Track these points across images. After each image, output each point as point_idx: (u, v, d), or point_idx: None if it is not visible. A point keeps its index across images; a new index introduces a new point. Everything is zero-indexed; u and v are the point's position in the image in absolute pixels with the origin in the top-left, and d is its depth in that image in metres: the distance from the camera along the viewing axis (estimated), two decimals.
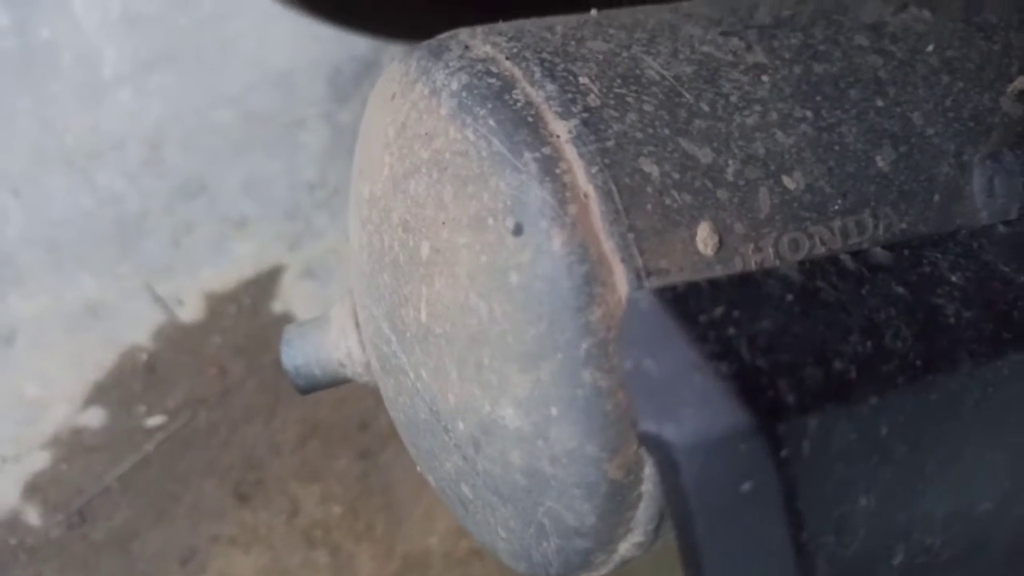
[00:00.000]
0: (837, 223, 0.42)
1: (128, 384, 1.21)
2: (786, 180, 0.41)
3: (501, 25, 0.45)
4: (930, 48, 0.49)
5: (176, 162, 1.28)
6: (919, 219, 0.44)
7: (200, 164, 1.28)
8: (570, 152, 0.38)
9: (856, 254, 0.34)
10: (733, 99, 0.42)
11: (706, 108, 0.41)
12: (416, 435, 0.48)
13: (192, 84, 1.30)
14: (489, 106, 0.39)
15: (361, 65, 1.32)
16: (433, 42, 0.45)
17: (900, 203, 0.44)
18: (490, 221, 0.38)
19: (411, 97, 0.44)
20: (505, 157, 0.38)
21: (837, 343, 0.30)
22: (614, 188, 0.38)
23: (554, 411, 0.38)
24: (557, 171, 0.37)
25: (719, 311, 0.29)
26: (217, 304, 1.26)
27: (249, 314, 1.25)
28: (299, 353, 0.56)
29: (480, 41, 0.43)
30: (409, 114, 0.43)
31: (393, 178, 0.44)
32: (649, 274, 0.37)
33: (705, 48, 0.45)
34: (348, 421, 1.22)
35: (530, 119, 0.39)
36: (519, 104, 0.39)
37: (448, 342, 0.41)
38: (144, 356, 1.23)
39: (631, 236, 0.37)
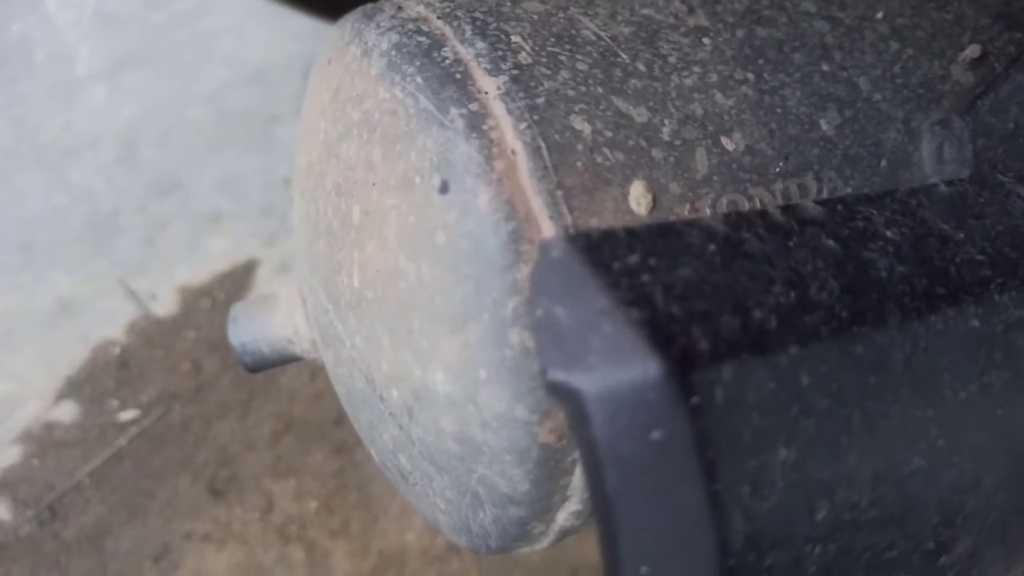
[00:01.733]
0: (778, 185, 0.41)
1: (101, 379, 1.20)
2: (725, 141, 0.40)
3: None
4: (880, 15, 0.49)
5: (150, 160, 1.27)
6: (865, 183, 0.44)
7: (175, 161, 1.27)
8: (498, 108, 0.37)
9: (786, 208, 0.33)
10: (672, 60, 0.41)
11: (643, 68, 0.41)
12: (356, 407, 0.47)
13: (167, 82, 1.29)
14: (417, 63, 0.38)
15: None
16: (368, 5, 0.44)
17: (845, 167, 0.43)
18: (417, 180, 0.37)
19: (344, 60, 0.43)
20: (432, 114, 0.37)
21: (758, 293, 0.29)
22: (543, 145, 0.37)
23: (483, 374, 0.36)
24: (484, 127, 0.36)
25: (634, 259, 0.28)
26: (191, 299, 1.25)
27: (223, 309, 1.23)
28: (245, 331, 0.55)
29: (414, 2, 0.42)
30: (343, 77, 0.43)
31: (327, 143, 0.43)
32: (577, 232, 0.36)
33: (645, 11, 0.44)
34: (323, 416, 1.21)
35: (458, 76, 0.38)
36: (447, 61, 0.38)
37: (380, 307, 0.40)
38: (117, 351, 1.21)
39: (560, 193, 0.36)
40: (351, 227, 0.41)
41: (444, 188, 0.36)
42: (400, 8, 0.42)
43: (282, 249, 1.25)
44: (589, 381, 0.26)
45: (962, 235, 0.35)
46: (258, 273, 1.26)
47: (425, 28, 0.40)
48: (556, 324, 0.27)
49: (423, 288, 0.37)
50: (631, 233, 0.29)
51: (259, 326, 0.55)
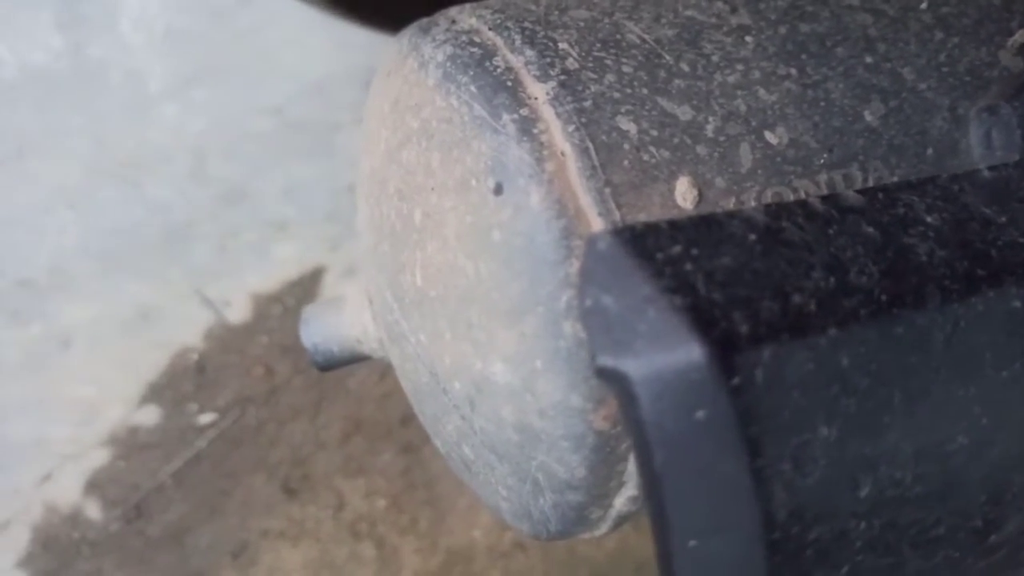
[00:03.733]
0: (823, 176, 0.42)
1: (180, 384, 1.26)
2: (768, 135, 0.42)
3: (488, 0, 0.47)
4: (924, 5, 0.49)
5: (220, 171, 1.32)
6: (911, 172, 0.44)
7: (242, 172, 1.32)
8: (547, 112, 0.39)
9: (827, 197, 0.34)
10: (715, 59, 0.43)
11: (686, 68, 0.42)
12: (421, 400, 0.50)
13: (233, 96, 1.34)
14: (471, 73, 0.41)
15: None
16: (424, 20, 0.47)
17: (890, 157, 0.44)
18: (473, 183, 0.40)
19: (403, 72, 0.45)
20: (485, 120, 0.39)
21: (798, 278, 0.30)
22: (591, 145, 0.39)
23: (539, 364, 0.39)
24: (535, 131, 0.39)
25: (677, 249, 0.30)
26: (263, 305, 1.30)
27: (294, 314, 1.28)
28: (317, 332, 0.58)
29: (467, 15, 0.45)
30: (401, 88, 0.45)
31: (388, 150, 0.46)
32: None
33: (688, 12, 0.45)
34: (391, 417, 1.24)
35: (509, 83, 0.40)
36: (499, 70, 0.40)
37: (441, 303, 0.42)
38: (195, 357, 1.27)
39: (608, 191, 0.38)
40: (413, 229, 0.43)
41: (499, 189, 0.39)
42: (454, 21, 0.44)
43: (347, 254, 1.29)
44: (636, 365, 0.28)
45: (1005, 219, 0.36)
46: (325, 278, 1.31)
47: (477, 39, 0.42)
48: (604, 312, 0.29)
49: (481, 284, 0.40)
50: (674, 225, 0.31)
51: (329, 327, 0.58)
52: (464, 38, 0.42)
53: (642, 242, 0.30)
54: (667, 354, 0.28)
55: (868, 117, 0.44)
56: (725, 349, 0.28)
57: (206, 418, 1.24)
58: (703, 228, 0.31)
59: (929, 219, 0.35)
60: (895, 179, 0.44)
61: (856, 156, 0.43)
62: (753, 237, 0.32)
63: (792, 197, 0.41)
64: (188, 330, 1.27)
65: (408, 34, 0.46)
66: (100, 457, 1.20)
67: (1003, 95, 0.47)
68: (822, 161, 0.42)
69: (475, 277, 0.40)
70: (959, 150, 0.46)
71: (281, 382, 1.26)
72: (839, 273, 0.31)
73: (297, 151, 1.34)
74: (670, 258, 0.30)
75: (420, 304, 0.44)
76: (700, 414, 0.28)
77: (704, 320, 0.28)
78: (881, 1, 0.49)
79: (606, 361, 0.29)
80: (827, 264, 0.31)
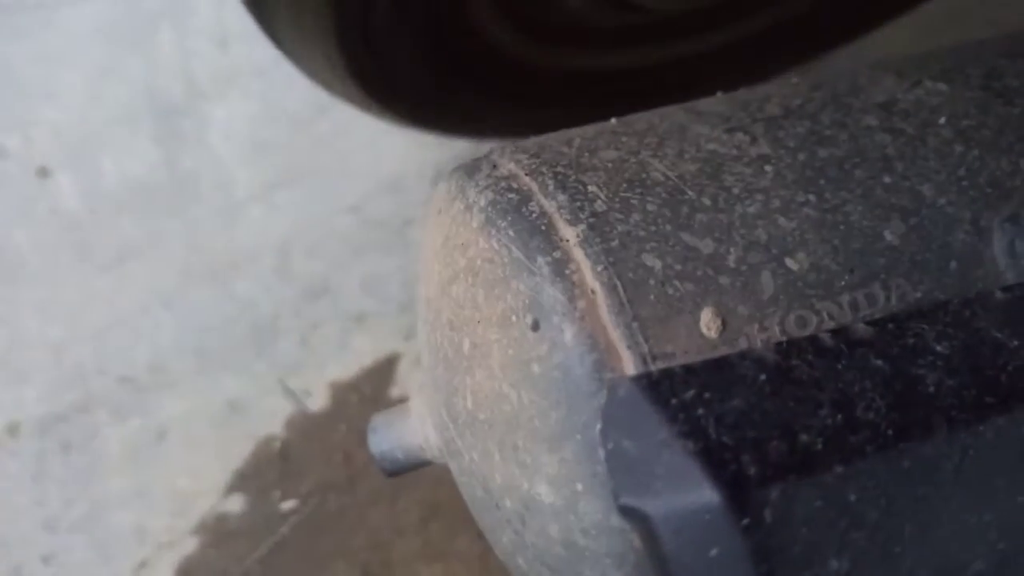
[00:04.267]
0: (845, 297, 0.44)
1: (265, 472, 1.32)
2: (789, 262, 0.44)
3: (527, 142, 0.51)
4: (942, 120, 0.51)
5: (302, 268, 1.40)
6: (935, 286, 0.46)
7: (323, 267, 1.40)
8: (578, 254, 0.43)
9: (837, 331, 0.37)
10: (735, 191, 0.46)
11: (708, 202, 0.45)
12: (478, 512, 0.53)
13: (314, 197, 1.43)
14: (509, 218, 0.45)
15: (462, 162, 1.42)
16: (469, 162, 0.52)
17: (913, 273, 0.46)
18: (514, 319, 0.43)
19: (451, 212, 0.50)
20: (522, 262, 0.43)
21: (806, 417, 0.33)
22: (618, 283, 0.42)
23: (579, 487, 0.41)
24: (567, 272, 0.42)
25: (690, 394, 0.33)
26: (341, 394, 1.35)
27: (370, 402, 1.34)
28: (384, 440, 0.62)
29: (507, 160, 0.49)
30: (450, 227, 0.50)
31: (440, 283, 0.50)
32: (655, 358, 0.41)
33: (711, 146, 0.49)
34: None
35: (543, 227, 0.44)
36: (534, 215, 0.45)
37: (490, 427, 0.46)
38: (278, 445, 1.33)
39: (636, 325, 0.41)
40: (463, 356, 0.47)
41: (536, 326, 0.42)
42: (495, 167, 0.49)
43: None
44: (655, 505, 0.31)
45: (1016, 342, 0.37)
46: (399, 365, 1.36)
47: (515, 185, 0.46)
48: (625, 455, 0.32)
49: (524, 411, 0.43)
50: (688, 370, 0.34)
51: (395, 435, 0.62)
52: (503, 184, 0.47)
53: (658, 388, 0.33)
54: (682, 496, 0.31)
55: (888, 236, 0.46)
56: (734, 491, 0.30)
57: (289, 504, 1.29)
58: (715, 371, 0.34)
59: (939, 348, 0.37)
60: (918, 294, 0.46)
61: (878, 275, 0.45)
62: (763, 377, 0.34)
63: (815, 319, 0.43)
64: (272, 420, 1.34)
65: (456, 177, 0.51)
66: (190, 545, 1.27)
67: (1018, 208, 0.49)
68: (843, 283, 0.45)
69: (518, 405, 0.43)
70: (983, 261, 0.47)
71: (359, 469, 1.31)
72: (847, 409, 0.33)
73: (374, 246, 1.42)
74: (684, 403, 0.33)
75: (471, 425, 0.48)
76: (714, 551, 0.30)
77: (714, 464, 0.31)
78: (900, 120, 0.51)
79: (628, 501, 0.32)
80: (835, 401, 0.34)
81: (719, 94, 0.57)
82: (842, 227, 0.46)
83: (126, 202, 1.43)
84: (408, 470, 0.63)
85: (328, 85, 0.91)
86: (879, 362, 0.35)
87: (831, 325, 0.44)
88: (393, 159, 1.43)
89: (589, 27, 0.93)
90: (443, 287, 0.50)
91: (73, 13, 1.50)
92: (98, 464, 1.32)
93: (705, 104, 0.54)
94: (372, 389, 1.35)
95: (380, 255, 1.41)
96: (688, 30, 0.97)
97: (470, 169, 0.50)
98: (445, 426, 0.52)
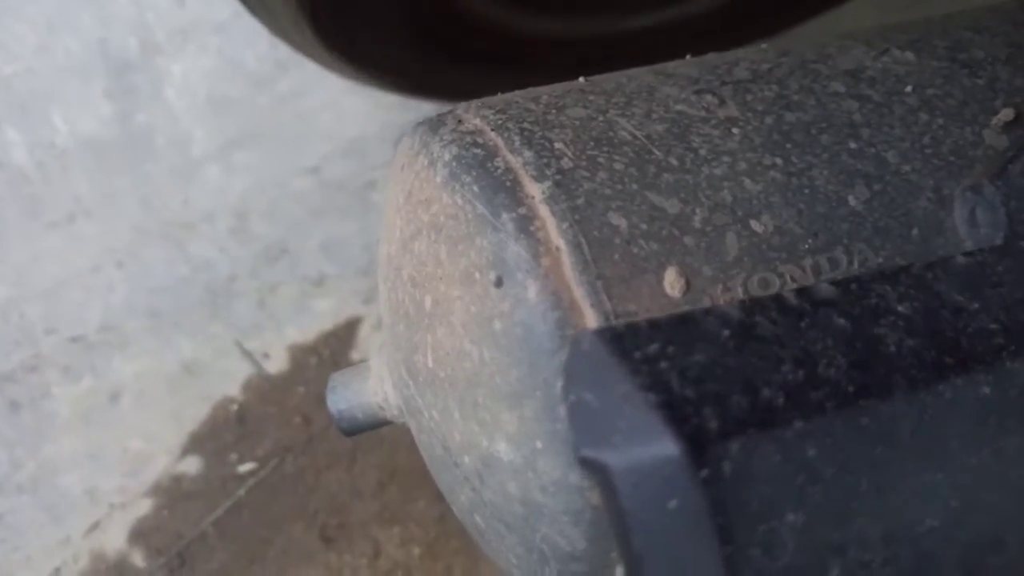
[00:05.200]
0: (808, 261, 0.45)
1: (221, 434, 1.30)
2: (754, 224, 0.44)
3: (493, 99, 0.50)
4: (909, 88, 0.52)
5: (260, 230, 1.38)
6: (896, 252, 0.46)
7: (282, 230, 1.38)
8: (543, 211, 0.42)
9: (801, 291, 0.37)
10: (702, 152, 0.46)
11: (675, 162, 0.45)
12: (437, 470, 0.53)
13: (273, 158, 1.40)
14: (474, 174, 0.44)
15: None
16: (434, 117, 0.51)
17: (875, 239, 0.46)
18: (477, 275, 0.43)
19: (415, 167, 0.49)
20: (487, 218, 0.43)
21: (767, 373, 0.33)
22: (583, 241, 0.42)
23: (539, 444, 0.41)
24: (531, 228, 0.42)
25: (654, 348, 0.33)
26: (300, 357, 1.34)
27: (330, 365, 1.32)
28: (342, 399, 0.62)
29: (472, 115, 0.48)
30: (413, 183, 0.49)
31: (402, 239, 0.49)
32: (618, 316, 0.41)
33: (679, 107, 0.48)
34: (424, 465, 1.27)
35: (508, 183, 0.43)
36: (499, 171, 0.44)
37: (450, 385, 0.46)
38: (235, 408, 1.32)
39: (599, 283, 0.41)
40: (424, 314, 0.47)
41: (499, 282, 0.42)
42: (460, 121, 0.48)
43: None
44: (615, 458, 0.31)
45: (977, 305, 0.38)
46: (360, 329, 1.35)
47: (480, 140, 0.46)
48: (586, 408, 0.32)
49: (485, 368, 0.43)
50: (652, 324, 0.34)
51: (353, 394, 0.61)
52: (468, 139, 0.46)
53: (621, 342, 0.33)
54: (642, 448, 0.31)
55: (852, 202, 0.46)
56: (694, 444, 0.30)
57: (246, 467, 1.28)
58: (680, 326, 0.34)
59: (900, 308, 0.37)
60: (880, 260, 0.46)
61: (841, 240, 0.45)
62: (727, 333, 0.34)
63: (778, 281, 0.44)
64: (229, 382, 1.32)
65: (419, 132, 0.50)
66: (145, 507, 1.25)
67: (987, 174, 0.50)
68: (807, 246, 0.45)
69: (479, 362, 0.43)
70: (944, 229, 0.48)
71: (318, 431, 1.30)
72: (808, 366, 0.34)
73: (334, 209, 1.40)
74: (647, 356, 0.32)
75: (432, 383, 0.47)
76: (673, 504, 0.30)
77: (676, 417, 0.31)
78: (867, 86, 0.52)
79: (588, 453, 0.32)
80: (797, 358, 0.34)
81: (688, 57, 0.56)
82: (807, 191, 0.46)
83: (77, 158, 1.39)
84: (367, 429, 0.62)
85: (289, 38, 0.89)
86: (841, 321, 0.35)
87: (794, 287, 0.44)
88: (355, 120, 1.41)
89: None
90: (405, 243, 0.49)
91: None
92: (48, 425, 1.29)
93: (674, 66, 0.54)
94: (331, 352, 1.34)
95: (340, 218, 1.39)
96: None
97: (434, 124, 0.49)
98: (405, 384, 0.52)
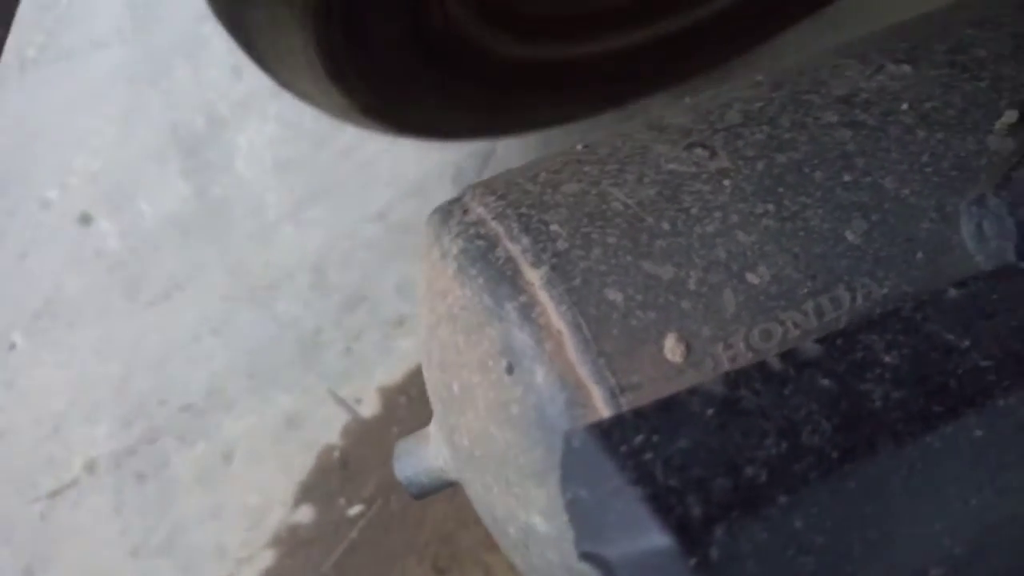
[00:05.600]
0: (810, 304, 0.46)
1: (328, 481, 1.37)
2: (750, 276, 0.46)
3: (497, 180, 0.53)
4: (905, 106, 0.52)
5: (338, 280, 1.45)
6: (901, 280, 0.47)
7: (358, 278, 1.44)
8: (543, 296, 0.45)
9: (785, 354, 0.38)
10: (694, 211, 0.47)
11: (667, 227, 0.47)
12: (495, 534, 0.56)
13: (341, 210, 1.47)
14: (479, 266, 0.47)
15: (479, 159, 1.44)
16: (444, 206, 0.54)
17: (877, 270, 0.47)
18: (490, 363, 0.46)
19: (431, 258, 0.52)
20: (493, 310, 0.46)
21: (751, 449, 0.34)
22: (582, 321, 0.44)
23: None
24: (533, 315, 0.44)
25: (639, 439, 0.35)
26: (391, 397, 1.40)
27: (419, 403, 1.38)
28: (408, 466, 0.65)
29: (476, 203, 0.51)
30: (431, 273, 0.52)
31: (428, 327, 0.53)
32: (623, 390, 0.43)
33: (671, 165, 0.50)
34: None
35: (509, 273, 0.46)
36: (501, 261, 0.47)
37: (485, 463, 0.49)
38: (337, 454, 1.38)
39: (602, 361, 0.43)
40: (454, 397, 0.50)
41: (510, 369, 0.45)
42: (465, 211, 0.51)
43: None
44: (612, 552, 0.33)
45: (968, 342, 0.38)
46: None
47: (482, 231, 0.48)
48: (582, 504, 0.34)
49: (511, 450, 0.46)
50: (638, 414, 0.36)
51: (418, 461, 0.65)
52: (472, 231, 0.49)
53: (609, 437, 0.35)
54: (634, 541, 0.33)
55: (850, 237, 0.47)
56: (680, 534, 0.32)
57: (355, 510, 1.34)
58: (664, 412, 0.36)
59: (888, 359, 0.38)
60: (884, 291, 0.46)
61: (841, 278, 0.46)
62: (711, 412, 0.36)
63: (780, 330, 0.45)
64: (329, 430, 1.39)
65: (433, 222, 0.53)
66: (268, 558, 1.33)
67: (991, 184, 0.49)
68: (806, 290, 0.46)
69: (505, 444, 0.46)
70: (951, 247, 0.48)
71: None
72: (792, 436, 0.35)
73: (404, 250, 1.45)
74: (633, 449, 0.35)
75: (470, 461, 0.50)
76: None
77: (661, 508, 0.33)
78: (861, 111, 0.52)
79: (588, 548, 0.34)
80: (781, 429, 0.35)
81: (686, 100, 0.57)
82: (802, 233, 0.47)
83: (164, 237, 1.49)
84: (434, 492, 0.66)
85: (311, 97, 0.92)
86: (826, 382, 0.36)
87: (797, 334, 0.45)
88: (413, 163, 1.46)
89: (563, 15, 0.94)
90: (431, 330, 0.52)
91: (92, 60, 1.55)
92: (172, 489, 1.39)
93: (671, 115, 0.55)
94: (419, 390, 1.39)
95: (410, 258, 1.44)
96: (653, 12, 0.97)
97: (445, 214, 0.52)
98: (454, 457, 0.55)
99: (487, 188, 0.52)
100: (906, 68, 0.53)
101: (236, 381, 1.43)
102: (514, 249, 0.46)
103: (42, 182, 1.52)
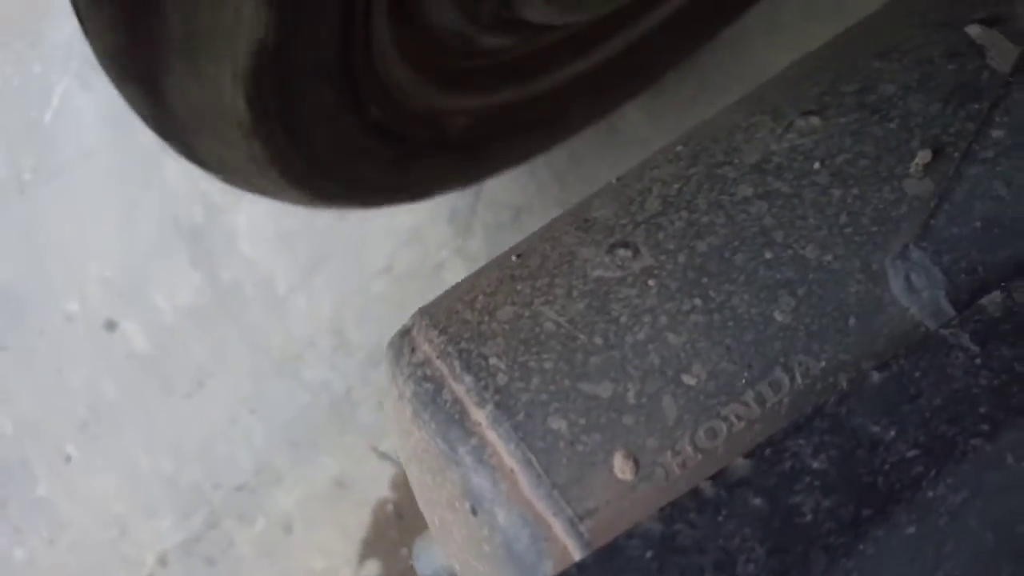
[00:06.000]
0: (749, 394, 0.47)
1: (386, 534, 1.42)
2: (686, 378, 0.47)
3: (439, 309, 0.55)
4: (817, 165, 0.52)
5: (358, 338, 1.48)
6: (838, 350, 0.47)
7: (376, 333, 1.47)
8: (491, 436, 0.47)
9: (717, 476, 0.39)
10: (623, 320, 0.49)
11: (599, 341, 0.48)
12: None
13: (348, 270, 1.50)
14: (430, 411, 0.49)
15: (470, 196, 1.45)
16: (395, 340, 0.56)
17: (811, 345, 0.47)
18: (456, 504, 0.48)
19: (392, 396, 0.54)
20: (448, 454, 0.48)
21: None
22: (532, 456, 0.46)
23: None
24: (485, 457, 0.46)
25: None
26: None
27: None
28: (427, 565, 0.68)
29: (423, 339, 0.53)
30: (394, 411, 0.54)
31: (405, 461, 0.55)
32: (582, 518, 0.45)
33: (597, 272, 0.51)
34: None
35: (457, 416, 0.48)
36: (448, 403, 0.49)
37: None
38: (390, 506, 1.42)
39: (556, 493, 0.45)
40: (437, 529, 0.52)
41: (474, 511, 0.47)
42: (413, 350, 0.53)
43: None
44: None
45: (893, 432, 0.39)
46: None
47: (429, 372, 0.50)
48: None
49: None
50: (581, 568, 0.37)
51: (436, 558, 0.68)
52: (420, 372, 0.51)
53: None
54: None
55: (779, 316, 0.48)
56: None
57: None
58: (605, 562, 0.38)
59: (816, 464, 0.39)
60: (823, 364, 0.47)
61: (777, 360, 0.47)
62: (650, 554, 0.37)
63: (724, 427, 0.46)
64: (378, 485, 1.43)
65: (388, 361, 0.55)
66: None
67: (912, 235, 0.49)
68: (744, 380, 0.47)
69: (485, 574, 0.48)
70: (884, 306, 0.48)
71: None
72: (728, 568, 0.36)
73: (414, 298, 1.47)
74: None
75: None
76: None
77: None
78: (775, 178, 0.52)
79: None
80: (717, 562, 0.37)
81: (613, 181, 0.58)
82: (731, 323, 0.48)
83: (187, 328, 1.54)
84: None
85: (272, 195, 0.92)
86: (757, 500, 0.38)
87: (742, 426, 0.46)
88: (406, 212, 1.48)
89: (497, 62, 0.94)
90: (407, 464, 0.55)
91: (85, 171, 1.60)
92: (241, 568, 1.45)
93: (597, 204, 0.56)
94: None
95: (421, 303, 1.47)
96: (582, 45, 0.97)
97: (396, 351, 0.54)
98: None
99: (432, 321, 0.54)
100: (815, 121, 0.53)
101: (280, 453, 1.48)
102: (459, 390, 0.48)
103: (62, 296, 1.58)
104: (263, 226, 1.54)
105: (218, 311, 1.53)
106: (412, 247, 1.48)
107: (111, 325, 1.57)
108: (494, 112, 0.98)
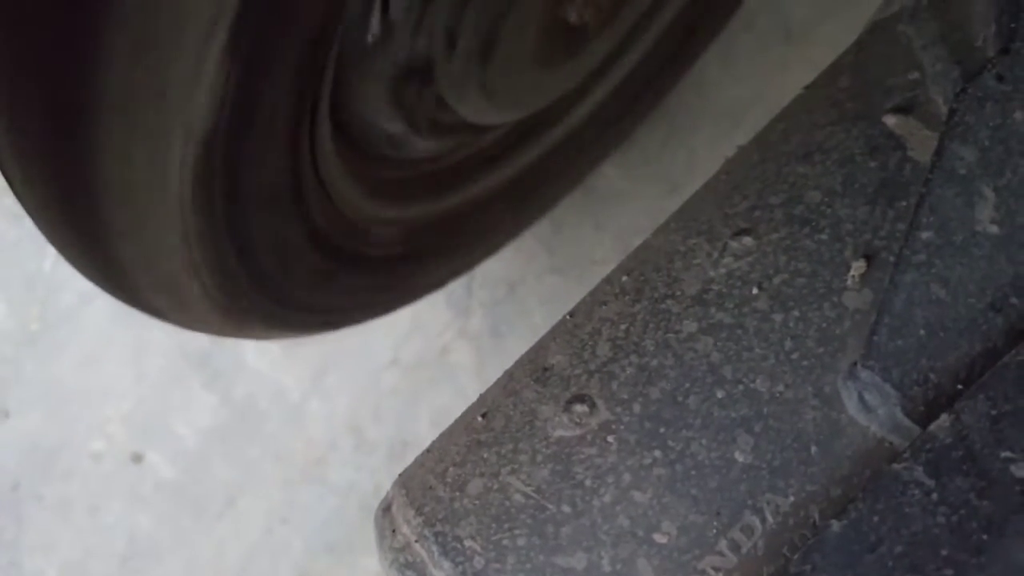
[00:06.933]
0: (723, 543, 0.47)
1: None
2: (657, 537, 0.47)
3: (415, 484, 0.55)
4: (755, 290, 0.52)
5: (377, 435, 1.49)
6: (805, 481, 0.48)
7: (393, 426, 1.49)
8: None
9: None
10: (588, 483, 0.49)
11: (568, 509, 0.49)
12: None
13: (356, 368, 1.52)
14: None
15: (465, 276, 1.47)
16: (379, 518, 0.56)
17: (777, 482, 0.48)
18: None
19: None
20: None
21: None
22: None
23: None
24: None
25: None
26: None
27: None
28: None
29: (401, 519, 0.54)
30: None
31: None
32: None
33: (557, 432, 0.52)
34: None
35: None
36: None
37: None
38: None
39: None
40: None
41: None
42: (394, 531, 0.54)
43: None
44: None
45: None
46: None
47: (410, 558, 0.51)
48: None
49: None
50: None
51: None
52: (400, 559, 0.52)
53: None
54: None
55: (740, 457, 0.48)
56: None
57: None
58: None
59: None
60: (792, 499, 0.47)
61: (745, 503, 0.47)
62: None
63: None
64: None
65: (375, 536, 0.56)
66: None
67: (858, 352, 0.49)
68: (715, 530, 0.47)
69: None
70: (842, 428, 0.48)
71: None
72: None
73: (425, 386, 1.49)
74: None
75: None
76: None
77: None
78: (716, 309, 0.52)
79: None
80: None
81: (566, 318, 0.59)
82: (693, 472, 0.48)
83: (210, 450, 1.56)
84: None
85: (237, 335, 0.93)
86: None
87: None
88: None
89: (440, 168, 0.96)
90: None
91: (89, 313, 1.64)
92: None
93: (554, 350, 0.57)
94: None
95: (433, 391, 1.48)
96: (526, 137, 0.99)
97: (380, 529, 0.55)
98: None
99: (409, 498, 0.55)
100: (748, 241, 0.54)
101: (319, 560, 1.49)
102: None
103: (86, 438, 1.61)
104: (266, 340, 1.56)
105: (237, 428, 1.56)
106: (415, 336, 1.50)
107: (137, 458, 1.59)
108: (428, 223, 0.99)
